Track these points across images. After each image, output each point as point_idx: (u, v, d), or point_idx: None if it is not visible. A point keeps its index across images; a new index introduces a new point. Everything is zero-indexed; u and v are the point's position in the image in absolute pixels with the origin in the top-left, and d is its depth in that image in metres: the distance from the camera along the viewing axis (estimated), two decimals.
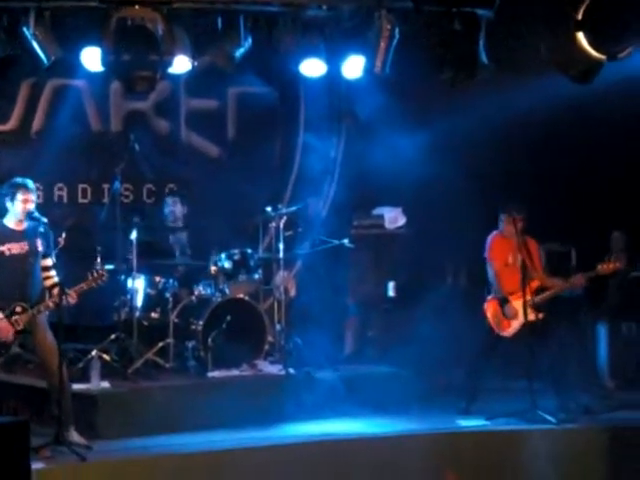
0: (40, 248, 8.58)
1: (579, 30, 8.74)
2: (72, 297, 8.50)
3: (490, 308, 9.92)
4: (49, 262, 8.67)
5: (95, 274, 8.69)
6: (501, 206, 10.00)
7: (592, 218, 11.37)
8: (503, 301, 9.88)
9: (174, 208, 10.97)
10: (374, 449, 9.07)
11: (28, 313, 8.43)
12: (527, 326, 9.62)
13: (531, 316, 9.64)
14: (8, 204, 8.54)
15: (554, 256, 11.36)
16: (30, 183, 8.59)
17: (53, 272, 8.67)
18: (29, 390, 9.41)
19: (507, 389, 10.24)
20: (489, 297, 9.97)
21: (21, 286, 8.49)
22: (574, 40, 8.79)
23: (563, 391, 9.70)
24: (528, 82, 10.03)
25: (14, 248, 8.49)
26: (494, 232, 10.10)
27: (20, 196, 8.49)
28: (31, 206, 8.55)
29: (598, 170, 11.59)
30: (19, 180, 8.59)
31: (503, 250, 10.00)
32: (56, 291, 8.52)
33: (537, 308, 9.70)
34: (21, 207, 8.50)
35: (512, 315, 9.82)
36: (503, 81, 9.99)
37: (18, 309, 8.43)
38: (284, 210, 10.90)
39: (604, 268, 9.71)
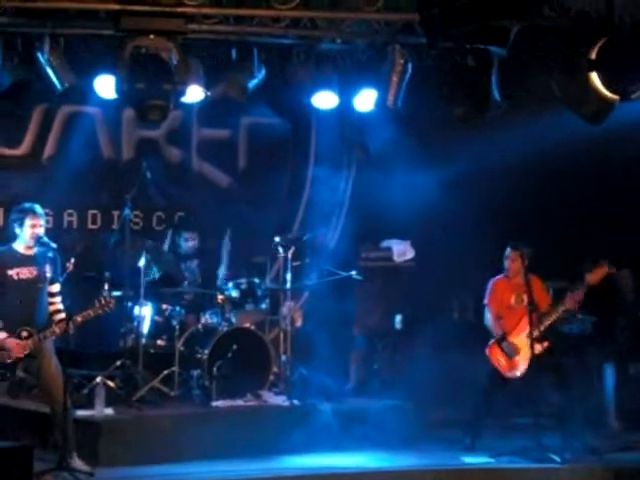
0: (48, 274, 8.60)
1: (592, 69, 8.76)
2: (76, 322, 8.51)
3: (492, 353, 9.89)
4: (56, 288, 8.69)
5: (102, 301, 8.70)
6: (509, 242, 10.00)
7: (600, 256, 11.34)
8: (501, 340, 9.85)
9: (192, 243, 10.98)
10: None
11: (34, 338, 8.43)
12: (534, 362, 9.57)
13: (537, 348, 9.60)
14: (17, 229, 8.57)
15: (561, 293, 11.34)
16: (38, 208, 8.63)
17: (58, 298, 8.70)
18: (33, 415, 9.39)
19: (513, 426, 10.19)
20: (490, 342, 9.94)
21: (28, 310, 8.51)
22: (587, 79, 8.80)
23: (569, 430, 9.65)
24: (540, 120, 10.06)
25: (23, 273, 8.52)
26: (495, 277, 10.10)
27: (29, 221, 8.52)
28: (40, 231, 8.57)
29: (605, 208, 11.59)
30: (27, 205, 8.63)
31: (504, 293, 10.00)
32: (60, 317, 8.54)
33: (539, 340, 9.65)
34: (30, 232, 8.52)
35: (513, 351, 9.79)
36: (515, 118, 10.02)
37: (24, 334, 8.43)
38: (293, 240, 10.90)
39: (593, 277, 9.66)
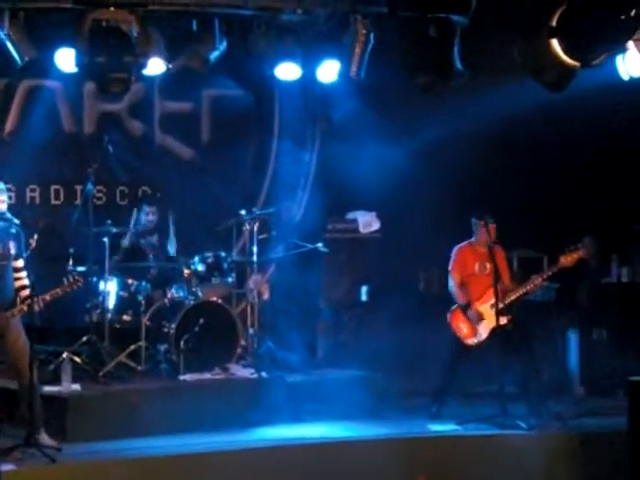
0: (12, 250, 8.53)
1: (553, 37, 8.77)
2: (45, 301, 8.46)
3: (454, 319, 9.97)
4: (20, 263, 8.63)
5: (71, 279, 8.67)
6: (474, 212, 10.05)
7: (564, 224, 11.42)
8: (465, 307, 9.92)
9: (153, 217, 10.92)
10: (345, 453, 9.07)
11: (3, 315, 8.38)
12: (497, 332, 9.64)
13: (502, 320, 9.67)
14: None
15: (526, 263, 11.43)
16: (0, 184, 8.55)
17: (24, 273, 8.64)
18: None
19: (479, 394, 10.27)
20: (452, 308, 10.01)
21: None
22: (548, 47, 8.82)
23: (534, 397, 9.73)
24: (502, 88, 10.07)
25: None
26: (459, 245, 10.15)
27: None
28: (2, 207, 8.50)
29: (570, 177, 11.66)
30: None
31: (468, 260, 10.06)
32: (25, 293, 8.50)
33: (504, 312, 9.72)
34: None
35: (476, 319, 9.87)
36: (478, 87, 10.03)
37: None
38: (258, 213, 10.88)
39: (567, 259, 9.74)
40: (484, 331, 9.84)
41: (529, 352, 9.79)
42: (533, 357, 9.80)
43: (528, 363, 9.76)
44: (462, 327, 9.91)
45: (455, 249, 10.18)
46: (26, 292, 8.57)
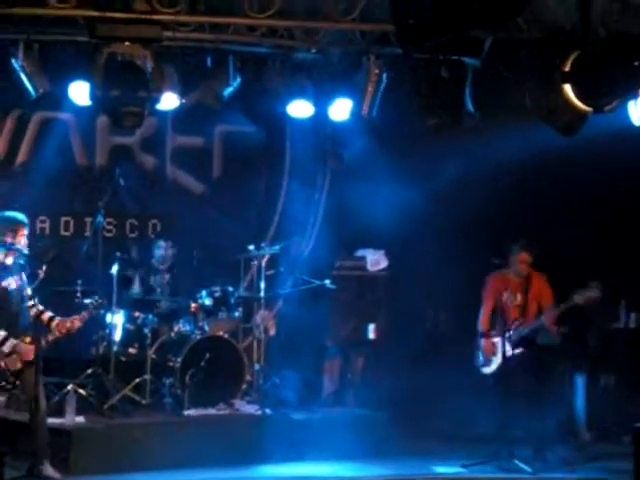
0: (25, 279, 8.61)
1: (566, 82, 8.80)
2: (72, 325, 8.50)
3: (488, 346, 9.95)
4: (29, 291, 8.69)
5: (95, 303, 8.72)
6: (516, 241, 10.01)
7: (572, 270, 11.40)
8: (482, 335, 9.89)
9: (165, 253, 10.94)
10: None
11: (42, 341, 8.41)
12: (504, 367, 9.62)
13: (508, 352, 9.63)
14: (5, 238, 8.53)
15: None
16: (23, 216, 8.65)
17: (36, 300, 8.71)
18: (3, 423, 9.32)
19: (484, 436, 10.22)
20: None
21: (18, 318, 8.50)
22: (560, 91, 8.84)
23: (539, 440, 9.68)
24: (514, 131, 10.10)
25: (13, 283, 8.50)
26: (492, 273, 10.10)
27: (24, 231, 8.54)
28: (23, 241, 8.61)
29: (579, 221, 11.65)
30: (19, 215, 8.59)
31: (498, 289, 10.00)
32: (47, 316, 8.60)
33: (513, 344, 9.68)
34: (24, 242, 8.52)
35: (487, 350, 9.84)
36: (489, 129, 10.05)
37: (27, 339, 8.41)
38: (267, 249, 10.89)
39: (581, 298, 9.68)
40: (495, 364, 9.79)
41: (535, 393, 9.74)
42: (540, 399, 9.74)
43: (534, 405, 9.71)
44: (479, 355, 9.88)
45: (488, 277, 10.13)
46: (47, 315, 8.62)
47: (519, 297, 9.85)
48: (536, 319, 9.83)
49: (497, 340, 9.81)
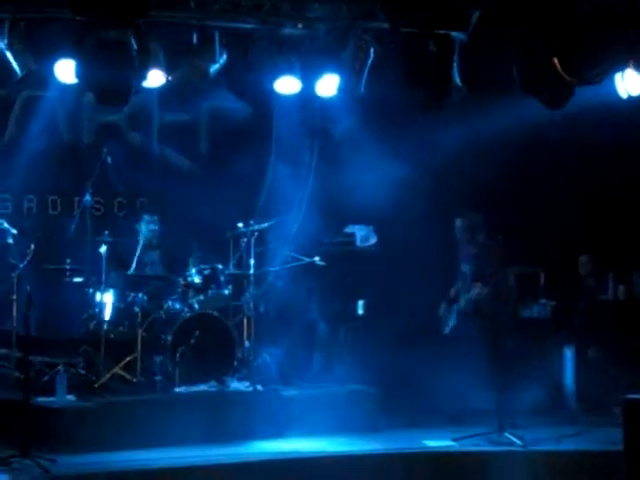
0: None
1: (552, 54, 8.79)
2: None
3: None
4: None
5: None
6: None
7: (561, 241, 11.44)
8: None
9: (155, 227, 10.93)
10: (340, 467, 9.04)
11: None
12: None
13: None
14: None
15: (523, 278, 11.43)
16: None
17: None
18: None
19: (476, 410, 10.26)
20: None
21: None
22: (547, 64, 8.84)
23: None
24: (502, 105, 10.10)
25: None
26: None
27: None
28: None
29: (568, 195, 11.67)
30: None
31: None
32: None
33: None
34: None
35: None
36: (477, 103, 10.05)
37: None
38: (256, 226, 10.88)
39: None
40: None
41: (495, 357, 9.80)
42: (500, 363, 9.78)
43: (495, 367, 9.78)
44: None
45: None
46: None
47: None
48: None
49: None
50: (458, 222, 10.43)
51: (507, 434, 9.38)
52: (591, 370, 10.97)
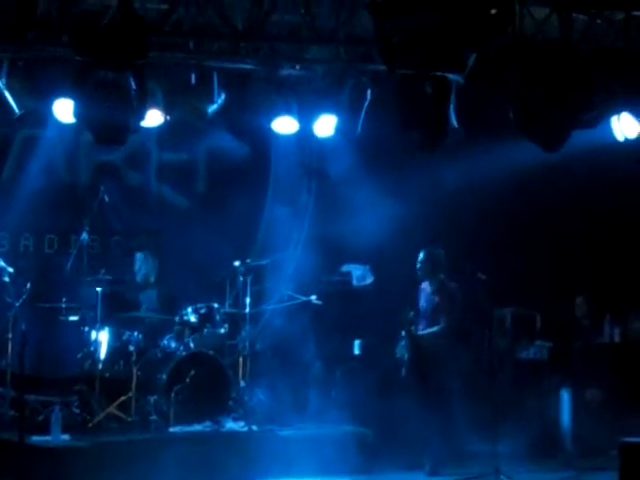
0: None
1: (549, 97, 8.83)
2: None
3: None
4: None
5: None
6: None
7: (557, 283, 11.44)
8: None
9: (145, 264, 10.93)
10: None
11: None
12: None
13: None
14: None
15: (519, 320, 11.43)
16: None
17: None
18: None
19: (472, 453, 10.22)
20: None
21: None
22: (543, 107, 8.88)
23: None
24: (498, 147, 10.14)
25: None
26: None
27: None
28: None
29: (564, 236, 11.69)
30: None
31: None
32: None
33: None
34: None
35: None
36: (474, 146, 10.08)
37: None
38: (252, 265, 10.88)
39: None
40: None
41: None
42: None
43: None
44: None
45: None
46: None
47: None
48: None
49: None
50: (420, 255, 10.33)
51: (503, 477, 9.34)
52: (588, 413, 10.95)
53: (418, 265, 10.28)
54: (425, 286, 10.34)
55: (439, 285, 10.16)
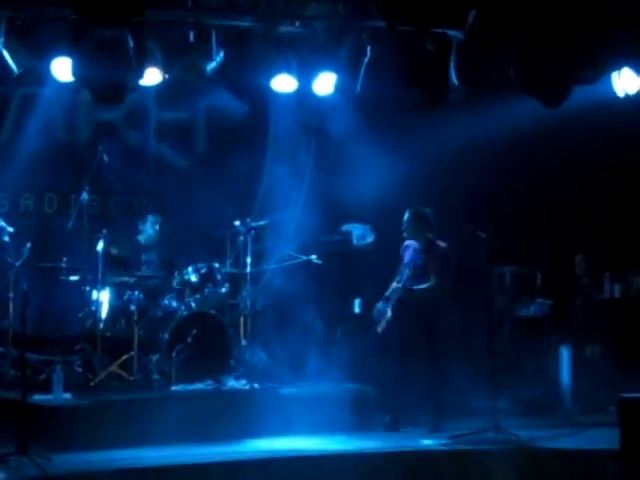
0: None
1: (550, 53, 8.80)
2: None
3: None
4: None
5: None
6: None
7: (557, 241, 11.44)
8: None
9: (153, 228, 10.93)
10: (337, 466, 9.04)
11: None
12: None
13: None
14: None
15: (520, 279, 11.44)
16: None
17: None
18: None
19: (472, 409, 10.26)
20: None
21: None
22: (544, 63, 8.84)
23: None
24: (499, 104, 10.10)
25: None
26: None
27: None
28: None
29: (564, 194, 11.68)
30: None
31: None
32: None
33: None
34: None
35: None
36: (474, 103, 10.04)
37: None
38: (252, 224, 10.87)
39: None
40: None
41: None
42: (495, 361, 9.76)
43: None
44: None
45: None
46: None
47: None
48: None
49: None
50: (405, 215, 10.18)
51: (503, 432, 9.39)
52: (587, 369, 10.99)
53: (403, 225, 10.10)
54: (411, 243, 10.16)
55: (427, 245, 9.96)
